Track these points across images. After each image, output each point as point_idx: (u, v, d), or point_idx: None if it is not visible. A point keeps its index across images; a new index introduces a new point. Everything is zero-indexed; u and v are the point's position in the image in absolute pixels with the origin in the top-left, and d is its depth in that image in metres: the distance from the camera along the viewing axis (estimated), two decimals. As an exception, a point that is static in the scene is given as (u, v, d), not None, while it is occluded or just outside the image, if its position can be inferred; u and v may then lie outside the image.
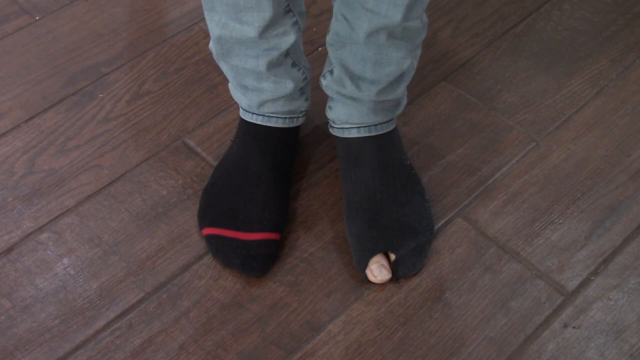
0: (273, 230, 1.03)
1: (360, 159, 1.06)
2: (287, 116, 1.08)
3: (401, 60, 0.97)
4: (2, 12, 1.34)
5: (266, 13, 0.92)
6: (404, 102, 1.08)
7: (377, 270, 1.00)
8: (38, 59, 1.27)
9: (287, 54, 1.01)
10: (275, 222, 1.04)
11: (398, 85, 1.01)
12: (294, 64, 1.03)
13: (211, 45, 1.02)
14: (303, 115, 1.10)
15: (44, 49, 1.29)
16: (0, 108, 1.20)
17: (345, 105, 1.05)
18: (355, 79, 1.00)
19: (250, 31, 0.94)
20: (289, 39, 0.98)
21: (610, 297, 1.02)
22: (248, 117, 1.08)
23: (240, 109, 1.10)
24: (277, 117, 1.07)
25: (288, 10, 0.95)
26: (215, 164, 1.13)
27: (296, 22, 0.97)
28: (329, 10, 1.35)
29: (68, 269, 1.03)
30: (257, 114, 1.07)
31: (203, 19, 1.33)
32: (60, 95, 1.22)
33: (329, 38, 1.00)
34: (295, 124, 1.09)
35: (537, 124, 1.20)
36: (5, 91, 1.23)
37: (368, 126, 1.06)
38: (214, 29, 0.98)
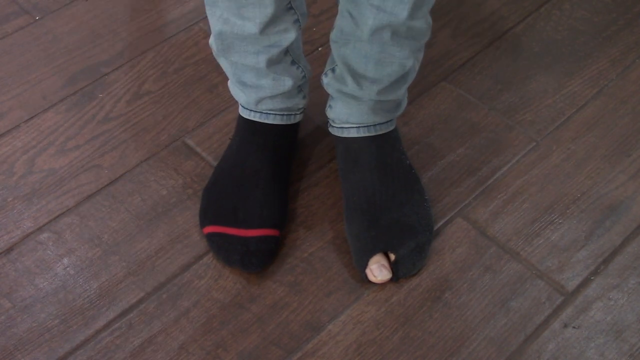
0: (272, 226, 1.03)
1: (360, 159, 1.06)
2: (285, 113, 1.08)
3: (404, 60, 0.97)
4: (2, 12, 1.34)
5: (268, 9, 0.92)
6: (405, 103, 1.08)
7: (377, 270, 1.00)
8: (38, 59, 1.27)
9: (287, 51, 1.01)
10: (275, 218, 1.04)
11: (399, 86, 1.01)
12: (293, 62, 1.03)
13: (211, 41, 1.02)
14: (301, 113, 1.10)
15: (44, 49, 1.29)
16: (0, 108, 1.20)
17: (346, 104, 1.05)
18: (357, 77, 1.00)
19: (251, 27, 0.94)
20: (289, 36, 0.98)
21: (610, 297, 1.02)
22: (246, 114, 1.09)
23: (239, 107, 1.10)
24: (275, 114, 1.07)
25: (290, 7, 0.96)
26: (215, 163, 1.13)
27: (297, 20, 0.97)
28: (329, 10, 1.35)
29: (68, 269, 1.03)
30: (255, 111, 1.08)
31: (203, 19, 1.33)
32: (60, 95, 1.22)
33: (332, 35, 1.00)
34: (292, 121, 1.10)
35: (537, 124, 1.20)
36: (5, 91, 1.23)
37: (367, 126, 1.06)
38: (215, 24, 0.98)
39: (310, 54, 1.28)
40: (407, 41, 0.95)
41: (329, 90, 1.06)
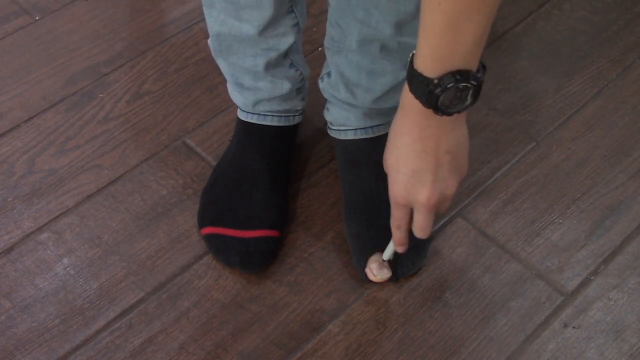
0: (272, 227, 1.03)
1: (357, 160, 1.06)
2: (283, 115, 1.08)
3: (397, 72, 0.97)
4: (2, 12, 1.34)
5: (266, 12, 0.92)
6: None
7: (377, 269, 1.00)
8: (38, 59, 1.27)
9: (285, 54, 1.01)
10: (274, 219, 1.04)
11: (395, 94, 1.01)
12: (291, 65, 1.03)
13: (210, 41, 1.02)
14: (299, 114, 1.10)
15: (44, 49, 1.29)
16: (0, 108, 1.20)
17: (342, 109, 1.05)
18: (350, 85, 1.00)
19: (250, 29, 0.94)
20: (288, 40, 0.98)
21: (610, 297, 1.02)
22: (243, 117, 1.09)
23: (238, 109, 1.10)
24: (273, 116, 1.07)
25: (290, 11, 0.95)
26: (215, 163, 1.13)
27: (297, 24, 0.97)
28: (329, 10, 1.35)
29: (68, 269, 1.03)
30: (253, 113, 1.08)
31: (203, 19, 1.33)
32: (60, 95, 1.22)
33: (325, 41, 1.00)
34: (291, 122, 1.09)
35: (537, 124, 1.20)
36: (5, 91, 1.23)
37: (365, 128, 1.06)
38: (212, 25, 0.98)
39: (310, 54, 1.28)
40: (399, 55, 0.94)
41: (325, 95, 1.06)
